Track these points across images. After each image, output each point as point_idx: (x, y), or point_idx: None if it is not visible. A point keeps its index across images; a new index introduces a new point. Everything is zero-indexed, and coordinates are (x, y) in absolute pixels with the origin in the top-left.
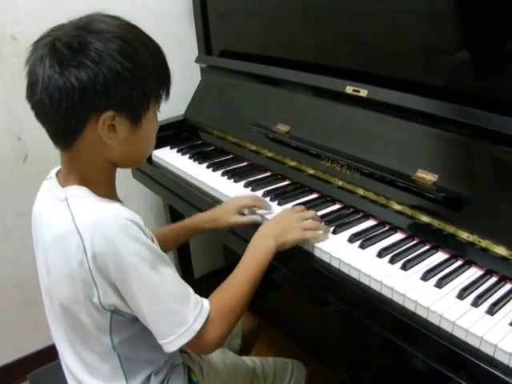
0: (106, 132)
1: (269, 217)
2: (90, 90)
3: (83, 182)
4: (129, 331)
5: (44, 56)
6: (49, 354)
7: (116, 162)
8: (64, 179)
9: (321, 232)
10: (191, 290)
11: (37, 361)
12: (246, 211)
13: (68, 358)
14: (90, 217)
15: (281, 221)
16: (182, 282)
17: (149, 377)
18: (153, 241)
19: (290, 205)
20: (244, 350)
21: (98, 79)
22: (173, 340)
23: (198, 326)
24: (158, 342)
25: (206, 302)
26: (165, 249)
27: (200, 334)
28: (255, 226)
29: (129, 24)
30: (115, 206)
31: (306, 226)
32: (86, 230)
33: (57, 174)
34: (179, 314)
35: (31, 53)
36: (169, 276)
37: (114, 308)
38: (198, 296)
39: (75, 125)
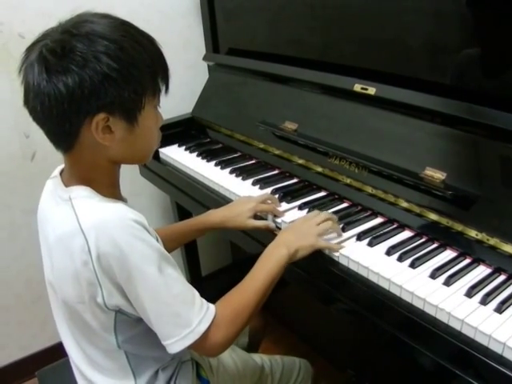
0: (100, 134)
1: (279, 220)
2: (78, 94)
3: (86, 182)
4: (134, 330)
5: (33, 63)
6: (56, 352)
7: (119, 160)
8: (67, 179)
9: (333, 235)
10: (196, 293)
11: (45, 358)
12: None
13: (74, 355)
14: (94, 217)
15: (296, 229)
16: (188, 284)
17: (156, 372)
18: (157, 241)
19: (297, 203)
20: (251, 348)
21: (84, 83)
22: (176, 341)
23: (203, 328)
24: (162, 342)
25: (211, 305)
26: (171, 248)
27: (204, 336)
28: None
29: (118, 21)
30: (119, 206)
31: (320, 231)
32: (91, 231)
33: (60, 173)
34: (183, 316)
35: (23, 60)
36: (174, 278)
37: (118, 308)
38: (203, 299)
39: (69, 129)
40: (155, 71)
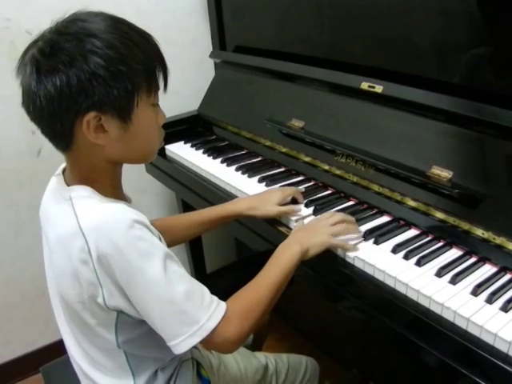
0: (92, 133)
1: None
2: (67, 93)
3: (87, 181)
4: (135, 332)
5: (26, 64)
6: (60, 348)
7: (117, 160)
8: (69, 178)
9: (348, 236)
10: (206, 290)
11: (48, 354)
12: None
13: (74, 353)
14: (93, 218)
15: (309, 228)
16: (195, 281)
17: (155, 372)
18: (160, 240)
19: (304, 201)
20: (255, 346)
21: (72, 82)
22: (183, 340)
23: (212, 324)
24: (168, 344)
25: (222, 302)
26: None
27: (215, 333)
28: (270, 221)
29: (110, 19)
30: (120, 206)
31: (333, 231)
32: (91, 232)
33: (63, 172)
34: (190, 313)
35: (20, 61)
36: (178, 275)
37: (119, 309)
38: (214, 296)
39: (61, 129)
40: (149, 68)
